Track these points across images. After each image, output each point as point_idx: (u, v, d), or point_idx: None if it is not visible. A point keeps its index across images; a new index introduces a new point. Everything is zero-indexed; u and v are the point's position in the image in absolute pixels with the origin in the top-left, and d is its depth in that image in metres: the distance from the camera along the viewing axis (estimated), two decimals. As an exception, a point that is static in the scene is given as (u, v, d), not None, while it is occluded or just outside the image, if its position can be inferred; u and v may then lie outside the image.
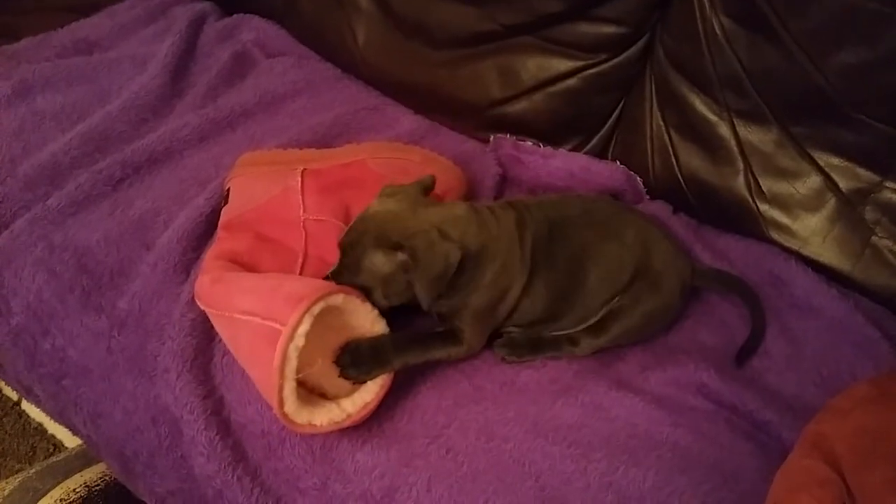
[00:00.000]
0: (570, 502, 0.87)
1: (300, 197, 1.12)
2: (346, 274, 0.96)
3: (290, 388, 0.87)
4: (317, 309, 0.87)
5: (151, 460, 1.03)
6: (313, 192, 1.13)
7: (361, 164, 1.16)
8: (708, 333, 1.08)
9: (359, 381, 0.93)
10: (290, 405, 0.88)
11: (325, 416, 0.91)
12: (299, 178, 1.14)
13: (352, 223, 0.98)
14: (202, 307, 1.01)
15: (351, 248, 0.95)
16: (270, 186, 1.14)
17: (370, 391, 0.93)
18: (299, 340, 0.86)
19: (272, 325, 0.88)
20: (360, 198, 1.13)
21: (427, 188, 1.02)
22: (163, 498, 1.04)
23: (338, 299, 0.90)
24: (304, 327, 0.86)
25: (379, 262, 0.94)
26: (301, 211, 1.11)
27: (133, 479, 1.08)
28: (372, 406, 0.93)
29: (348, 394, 0.94)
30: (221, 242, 1.10)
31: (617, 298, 1.03)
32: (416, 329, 1.03)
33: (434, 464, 0.93)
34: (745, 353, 1.06)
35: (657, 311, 1.04)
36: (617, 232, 1.05)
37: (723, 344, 1.07)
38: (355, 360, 0.92)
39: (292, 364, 0.87)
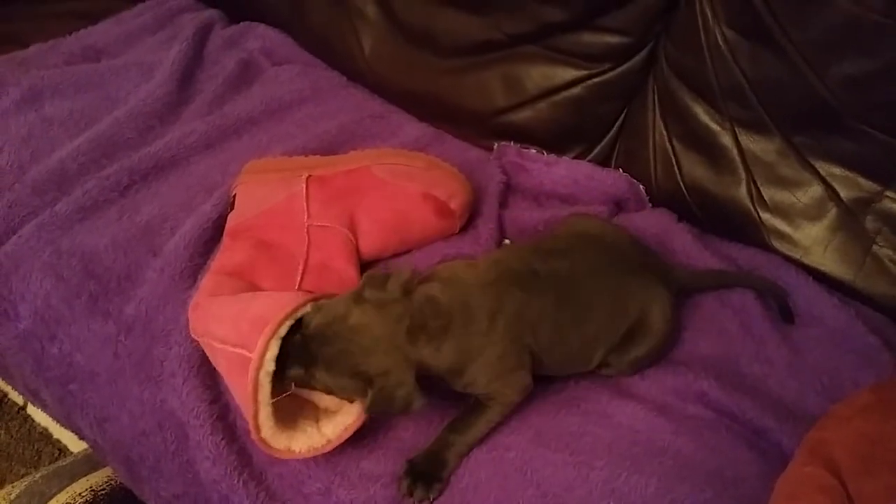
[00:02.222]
0: (572, 509, 0.88)
1: (304, 203, 1.13)
2: (315, 372, 0.89)
3: (265, 413, 0.88)
4: (283, 330, 0.87)
5: (157, 465, 1.03)
6: (317, 198, 1.14)
7: (366, 171, 1.17)
8: (707, 343, 1.08)
9: (426, 500, 0.92)
10: (267, 431, 0.89)
11: (304, 443, 0.91)
12: (304, 185, 1.15)
13: (325, 324, 0.89)
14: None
15: (325, 359, 0.88)
16: (275, 192, 1.15)
17: (352, 413, 0.93)
18: (269, 366, 0.87)
19: (242, 352, 0.88)
20: (364, 204, 1.14)
21: (408, 284, 0.93)
22: (168, 502, 1.05)
23: (306, 311, 0.90)
24: (271, 352, 0.87)
25: (346, 385, 0.90)
26: (305, 217, 1.12)
27: (139, 484, 1.08)
28: (353, 428, 0.92)
29: (337, 406, 0.94)
30: (222, 255, 1.11)
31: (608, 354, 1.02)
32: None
33: (437, 473, 0.93)
34: (787, 314, 1.12)
35: (647, 356, 1.04)
36: (621, 299, 1.02)
37: (723, 353, 1.07)
38: (416, 478, 0.92)
39: (265, 390, 0.87)
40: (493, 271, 0.97)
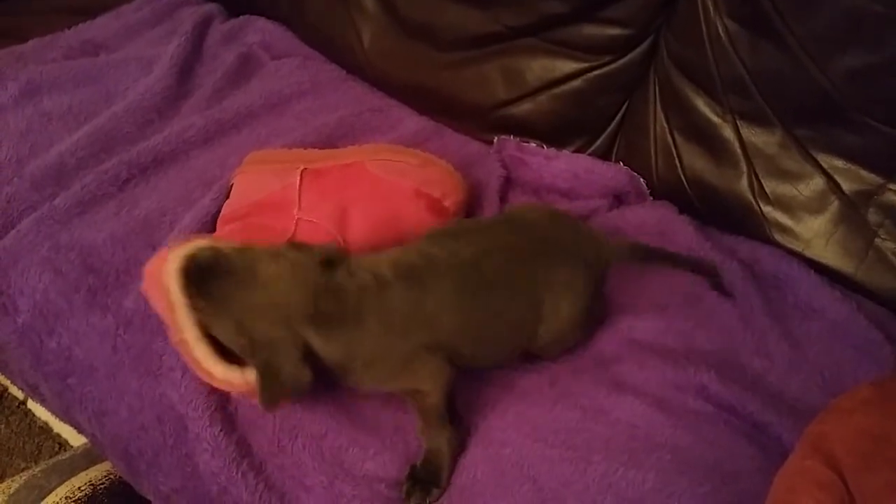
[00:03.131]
0: None
1: (297, 195, 1.13)
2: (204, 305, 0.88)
3: (182, 316, 0.87)
4: (183, 251, 0.89)
5: (156, 459, 1.03)
6: (311, 191, 1.14)
7: (360, 166, 1.16)
8: (707, 337, 1.08)
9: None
10: (190, 335, 0.88)
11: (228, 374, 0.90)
12: (299, 177, 1.15)
13: (233, 259, 0.87)
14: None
15: (215, 295, 0.87)
16: (270, 183, 1.15)
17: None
18: (174, 263, 0.87)
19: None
20: (357, 199, 1.14)
21: (332, 258, 0.92)
22: (167, 496, 1.04)
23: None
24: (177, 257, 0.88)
25: (230, 337, 0.88)
26: (296, 209, 1.12)
27: (138, 478, 1.08)
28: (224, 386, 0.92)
29: None
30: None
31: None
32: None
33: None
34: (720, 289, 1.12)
35: (556, 343, 1.02)
36: (534, 282, 0.98)
37: (723, 347, 1.06)
38: (415, 482, 0.92)
39: (175, 288, 0.87)
40: (392, 268, 0.94)
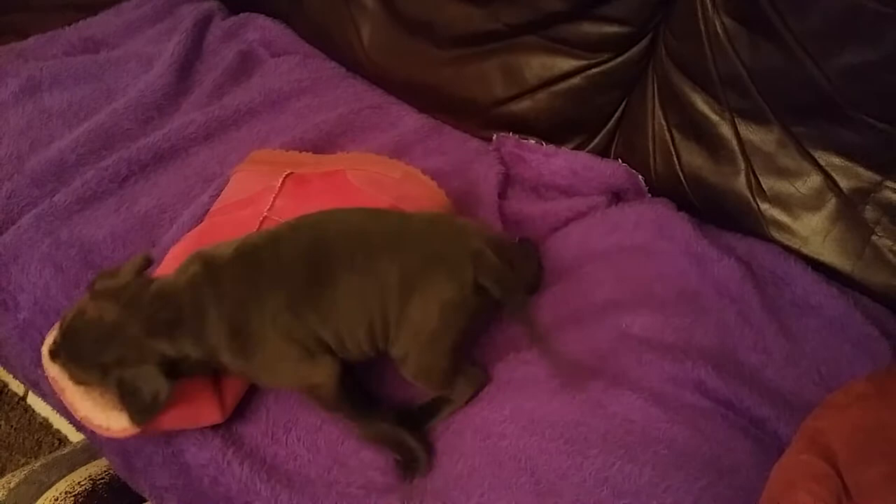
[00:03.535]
0: (566, 496, 0.87)
1: (273, 197, 1.11)
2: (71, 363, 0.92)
3: (71, 394, 0.94)
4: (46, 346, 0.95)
5: (151, 456, 1.04)
6: (287, 196, 1.12)
7: (341, 175, 1.15)
8: (705, 332, 1.08)
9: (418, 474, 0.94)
10: (83, 410, 0.94)
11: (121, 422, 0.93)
12: (280, 180, 1.13)
13: (68, 321, 0.91)
14: None
15: (70, 356, 0.91)
16: (256, 183, 1.15)
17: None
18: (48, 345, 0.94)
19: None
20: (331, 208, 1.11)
21: (141, 267, 0.95)
22: (161, 494, 1.05)
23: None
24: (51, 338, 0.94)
25: (96, 380, 0.91)
26: (266, 207, 1.10)
27: (134, 475, 1.08)
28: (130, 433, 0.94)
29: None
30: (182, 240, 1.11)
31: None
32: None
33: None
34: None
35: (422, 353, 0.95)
36: (376, 278, 0.92)
37: (720, 342, 1.06)
38: (405, 468, 0.94)
39: (54, 370, 0.94)
40: (234, 250, 0.93)
